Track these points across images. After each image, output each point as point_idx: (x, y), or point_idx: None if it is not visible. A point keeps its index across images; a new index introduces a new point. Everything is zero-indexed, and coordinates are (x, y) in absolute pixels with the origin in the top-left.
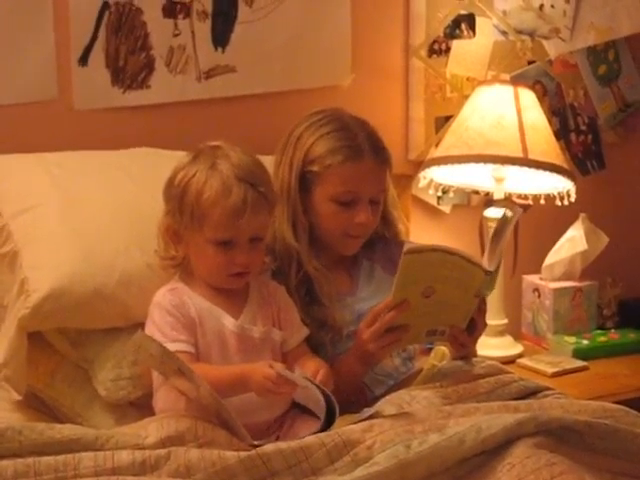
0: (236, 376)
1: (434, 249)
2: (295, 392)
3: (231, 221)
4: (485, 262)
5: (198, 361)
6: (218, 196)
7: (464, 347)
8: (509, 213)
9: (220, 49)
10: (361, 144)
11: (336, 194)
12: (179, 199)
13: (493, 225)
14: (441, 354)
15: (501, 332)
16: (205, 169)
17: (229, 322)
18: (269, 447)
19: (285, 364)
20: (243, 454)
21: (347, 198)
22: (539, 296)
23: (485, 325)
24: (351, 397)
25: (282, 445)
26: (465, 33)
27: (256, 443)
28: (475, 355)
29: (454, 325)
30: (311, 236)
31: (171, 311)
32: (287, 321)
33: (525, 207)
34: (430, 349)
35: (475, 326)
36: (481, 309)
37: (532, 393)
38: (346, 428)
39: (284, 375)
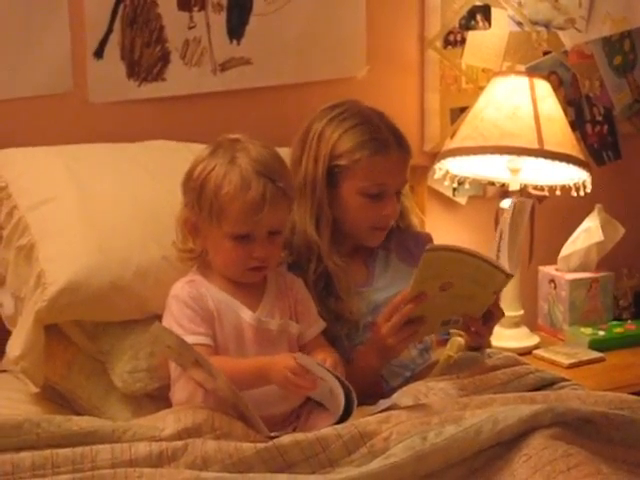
0: (256, 368)
1: (457, 250)
2: (316, 386)
3: (250, 216)
4: (505, 262)
5: (217, 354)
6: (237, 191)
7: (479, 336)
8: (519, 204)
9: (235, 41)
10: (387, 137)
11: (365, 187)
12: (198, 193)
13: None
14: (457, 345)
15: (517, 323)
16: (224, 163)
17: (246, 315)
18: (286, 439)
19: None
20: (260, 446)
21: (376, 191)
22: (555, 287)
23: (502, 314)
24: (367, 389)
25: (299, 436)
26: (480, 24)
27: (273, 435)
28: (490, 346)
29: (468, 314)
30: (332, 230)
31: (189, 303)
32: (304, 314)
33: (541, 198)
34: (446, 340)
35: (490, 316)
36: (496, 301)
37: (548, 384)
38: (362, 420)
39: (305, 365)
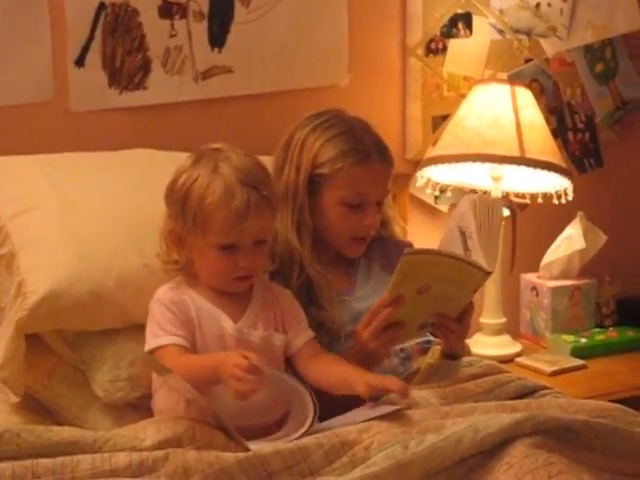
0: (208, 367)
1: (434, 252)
2: (261, 387)
3: (234, 225)
4: (482, 261)
5: None
6: (221, 200)
7: (456, 336)
8: (494, 209)
9: (217, 50)
10: (369, 147)
11: (346, 197)
12: (181, 204)
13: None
14: (438, 353)
15: (499, 331)
16: (207, 173)
17: (228, 325)
18: (267, 448)
19: (287, 367)
20: (241, 455)
21: (356, 201)
22: (537, 295)
23: (473, 307)
24: (350, 398)
25: (280, 446)
26: (462, 32)
27: (251, 447)
28: (469, 354)
29: (442, 314)
30: (314, 239)
31: (170, 307)
32: (291, 323)
33: (522, 206)
34: (427, 349)
35: (464, 313)
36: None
37: (530, 392)
38: (343, 429)
39: (256, 365)
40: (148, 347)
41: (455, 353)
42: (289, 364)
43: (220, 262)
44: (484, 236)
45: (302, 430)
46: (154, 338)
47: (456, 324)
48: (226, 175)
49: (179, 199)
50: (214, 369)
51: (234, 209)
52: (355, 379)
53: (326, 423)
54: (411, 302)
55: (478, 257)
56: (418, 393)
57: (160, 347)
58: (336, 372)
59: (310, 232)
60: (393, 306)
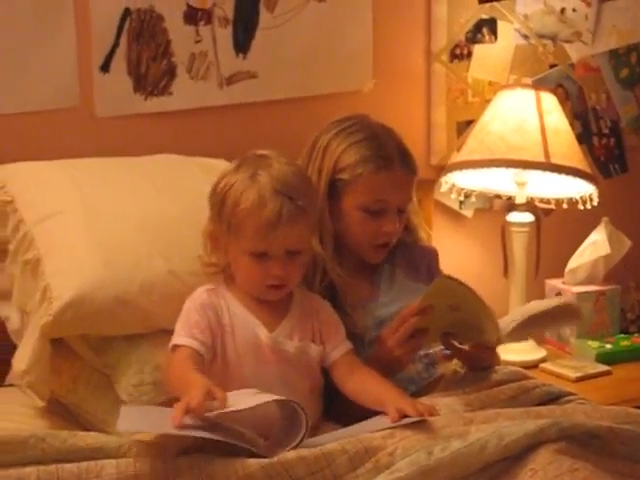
0: (184, 386)
1: (468, 288)
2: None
3: (265, 233)
4: (505, 325)
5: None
6: (253, 208)
7: (479, 361)
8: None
9: (241, 55)
10: (391, 154)
11: (365, 203)
12: (219, 207)
13: (516, 230)
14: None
15: None
16: (245, 179)
17: (262, 333)
18: (291, 454)
19: (318, 380)
20: (265, 461)
21: (376, 207)
22: None
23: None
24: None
25: (304, 452)
26: (487, 37)
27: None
28: (499, 363)
29: (478, 344)
30: (335, 243)
31: (199, 310)
32: (329, 335)
33: (547, 211)
34: (452, 356)
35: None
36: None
37: (555, 399)
38: (367, 435)
39: (207, 416)
40: (170, 344)
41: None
42: (325, 375)
43: (252, 269)
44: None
45: (294, 443)
46: (176, 336)
47: (484, 351)
48: (262, 183)
49: (217, 202)
50: (183, 393)
51: (265, 217)
52: (389, 403)
53: (340, 431)
54: (440, 314)
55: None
56: (442, 400)
57: (177, 345)
58: (371, 389)
59: (331, 236)
60: (421, 315)
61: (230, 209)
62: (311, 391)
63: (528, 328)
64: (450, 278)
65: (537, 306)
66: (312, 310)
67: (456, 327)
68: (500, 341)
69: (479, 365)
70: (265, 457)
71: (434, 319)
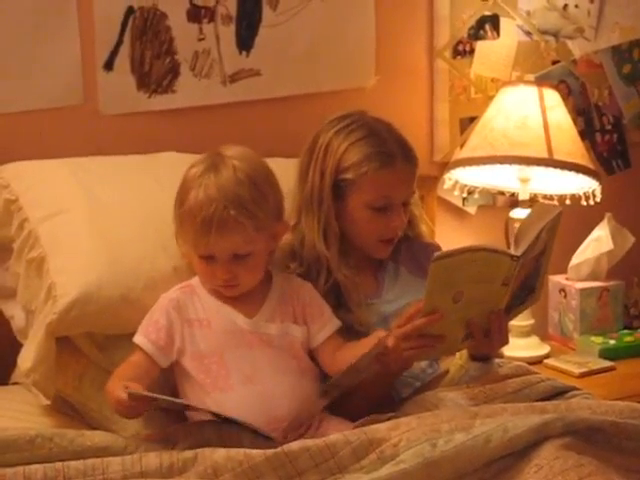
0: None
1: (460, 251)
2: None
3: (199, 238)
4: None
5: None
6: (193, 210)
7: (487, 337)
8: (537, 209)
9: (245, 53)
10: (393, 149)
11: (371, 200)
12: (175, 203)
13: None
14: (466, 355)
15: (527, 333)
16: (195, 177)
17: (241, 320)
18: (295, 445)
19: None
20: (269, 452)
21: (382, 204)
22: (565, 296)
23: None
24: (379, 399)
25: (308, 443)
26: (489, 34)
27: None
28: (502, 356)
29: (492, 312)
30: (340, 242)
31: (162, 310)
32: (313, 316)
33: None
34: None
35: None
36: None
37: (559, 393)
38: (372, 427)
39: (135, 393)
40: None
41: (484, 355)
42: (312, 358)
43: (202, 269)
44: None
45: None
46: (137, 331)
47: (498, 327)
48: (206, 185)
49: (176, 199)
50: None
51: (199, 222)
52: (366, 345)
53: None
54: (449, 315)
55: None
56: (447, 394)
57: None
58: (352, 354)
59: (337, 236)
60: (430, 319)
61: (178, 206)
62: (302, 373)
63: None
64: (437, 259)
65: (535, 224)
66: (292, 292)
67: (470, 317)
68: (514, 258)
69: (498, 342)
70: (272, 439)
71: (447, 324)
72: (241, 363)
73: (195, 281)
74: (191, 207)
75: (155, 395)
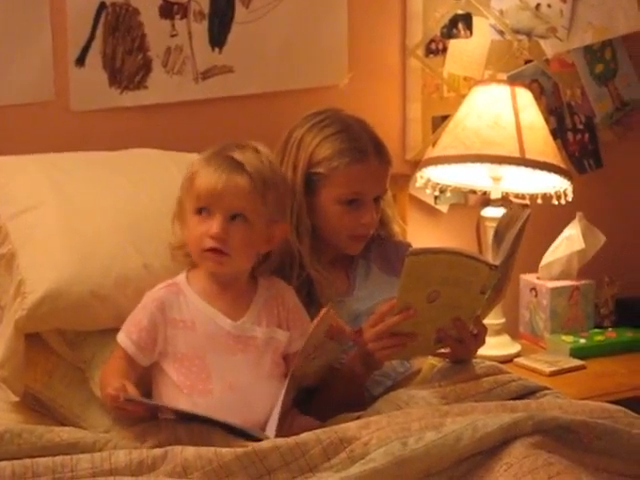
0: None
1: (437, 251)
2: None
3: (210, 178)
4: (490, 258)
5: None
6: (202, 164)
7: (461, 345)
8: (510, 212)
9: (217, 49)
10: (365, 145)
11: (342, 195)
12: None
13: (491, 225)
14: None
15: (498, 331)
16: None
17: (226, 323)
18: (265, 444)
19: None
20: (239, 451)
21: (352, 198)
22: (536, 295)
23: (485, 330)
24: (351, 398)
25: (279, 441)
26: (462, 33)
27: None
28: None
29: (458, 319)
30: (313, 238)
31: (146, 309)
32: (295, 322)
33: (523, 206)
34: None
35: (478, 333)
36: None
37: (531, 393)
38: (342, 425)
39: (131, 398)
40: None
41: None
42: (286, 362)
43: (195, 230)
44: (496, 239)
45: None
46: (122, 328)
47: (470, 334)
48: (221, 154)
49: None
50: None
51: (213, 163)
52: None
53: None
54: (423, 313)
55: (489, 255)
56: (418, 392)
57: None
58: None
59: (309, 231)
60: (402, 315)
61: (189, 170)
62: (283, 378)
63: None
64: (412, 254)
65: (510, 230)
66: (278, 295)
67: (442, 321)
68: (493, 268)
69: (474, 346)
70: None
71: (421, 322)
72: (223, 368)
73: (181, 280)
74: (199, 162)
75: (155, 402)
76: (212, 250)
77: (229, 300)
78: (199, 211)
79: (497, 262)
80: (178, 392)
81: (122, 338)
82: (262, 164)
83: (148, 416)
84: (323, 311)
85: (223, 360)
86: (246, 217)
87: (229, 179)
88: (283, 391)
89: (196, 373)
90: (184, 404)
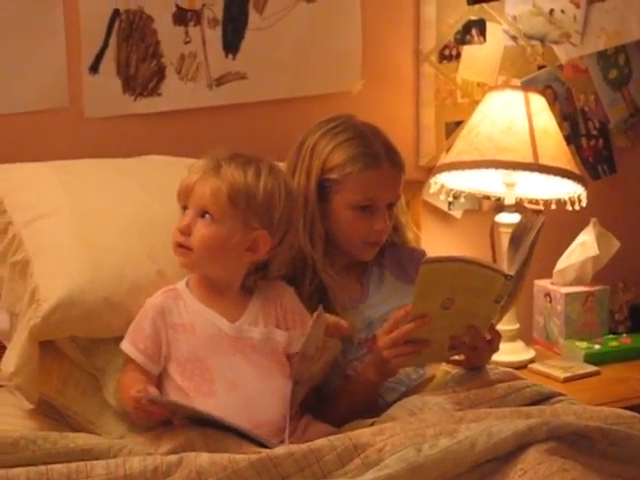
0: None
1: (452, 259)
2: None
3: (181, 184)
4: (505, 267)
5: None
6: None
7: (480, 357)
8: (525, 219)
9: (231, 56)
10: (378, 151)
11: (355, 201)
12: None
13: (504, 231)
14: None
15: (513, 337)
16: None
17: (224, 325)
18: (280, 450)
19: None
20: (254, 457)
21: (365, 205)
22: (550, 301)
23: (499, 336)
24: (364, 405)
25: (293, 448)
26: (475, 39)
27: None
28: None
29: (472, 326)
30: (326, 245)
31: (147, 317)
32: (295, 322)
33: (536, 212)
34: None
35: (492, 337)
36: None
37: (545, 399)
38: (356, 431)
39: (154, 400)
40: (122, 346)
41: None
42: (290, 363)
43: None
44: (512, 247)
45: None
46: (125, 337)
47: (484, 341)
48: (215, 158)
49: None
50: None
51: (192, 170)
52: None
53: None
54: (437, 321)
55: (504, 265)
56: (432, 398)
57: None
58: None
59: (322, 237)
60: (417, 323)
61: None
62: (285, 377)
63: (514, 255)
64: (428, 262)
65: (524, 238)
66: (275, 296)
67: (457, 329)
68: (508, 277)
69: (488, 352)
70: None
71: (435, 330)
72: (225, 369)
73: (180, 285)
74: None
75: (177, 402)
76: (178, 244)
77: (227, 303)
78: (183, 208)
79: (512, 272)
80: (183, 395)
81: (129, 348)
82: (244, 175)
83: (165, 420)
84: (314, 316)
85: (224, 361)
86: (213, 216)
87: (201, 178)
88: (289, 397)
89: (199, 375)
90: None
